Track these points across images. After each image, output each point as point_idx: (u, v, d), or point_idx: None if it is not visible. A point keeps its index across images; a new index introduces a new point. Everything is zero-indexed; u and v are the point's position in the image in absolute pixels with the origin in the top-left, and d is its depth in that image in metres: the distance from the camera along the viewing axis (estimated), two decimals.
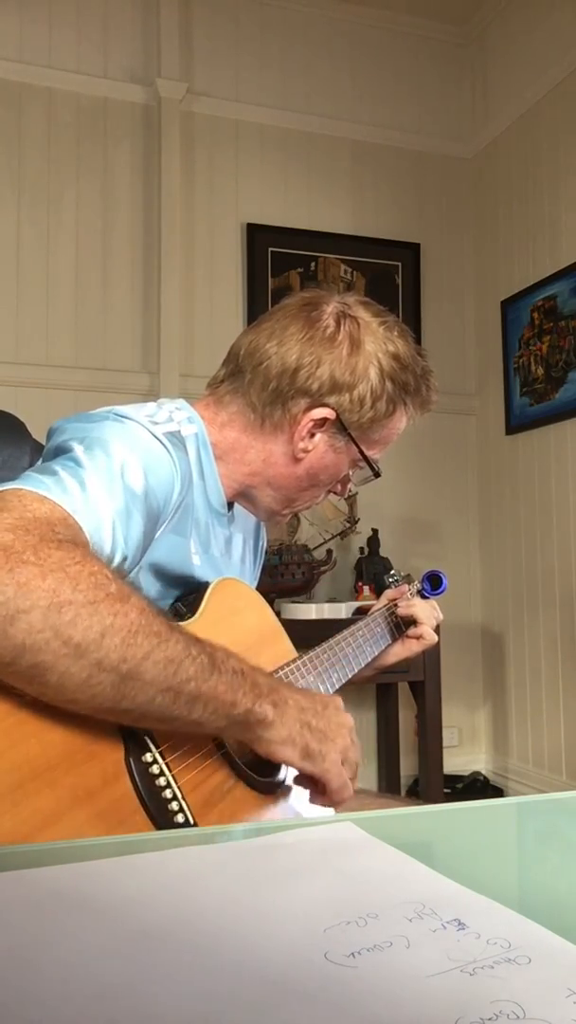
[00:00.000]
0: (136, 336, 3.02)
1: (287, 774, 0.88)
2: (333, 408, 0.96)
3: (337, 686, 1.04)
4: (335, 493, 1.08)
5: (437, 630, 1.25)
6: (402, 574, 1.34)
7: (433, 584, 1.31)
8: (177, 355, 3.00)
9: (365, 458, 1.01)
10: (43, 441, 1.00)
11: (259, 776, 0.82)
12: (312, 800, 0.82)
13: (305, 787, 0.81)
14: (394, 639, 1.22)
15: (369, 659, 1.15)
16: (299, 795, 0.88)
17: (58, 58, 2.98)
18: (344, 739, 0.80)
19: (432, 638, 1.22)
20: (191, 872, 0.46)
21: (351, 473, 1.05)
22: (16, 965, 0.35)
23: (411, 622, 1.23)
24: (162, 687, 0.66)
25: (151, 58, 3.09)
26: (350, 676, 1.08)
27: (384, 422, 1.00)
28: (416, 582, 1.33)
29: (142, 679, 0.65)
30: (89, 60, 3.02)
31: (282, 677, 0.94)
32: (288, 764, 0.78)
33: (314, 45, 3.32)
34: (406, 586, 1.30)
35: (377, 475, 1.05)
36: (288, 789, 0.86)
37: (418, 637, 1.22)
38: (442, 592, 1.31)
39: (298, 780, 0.82)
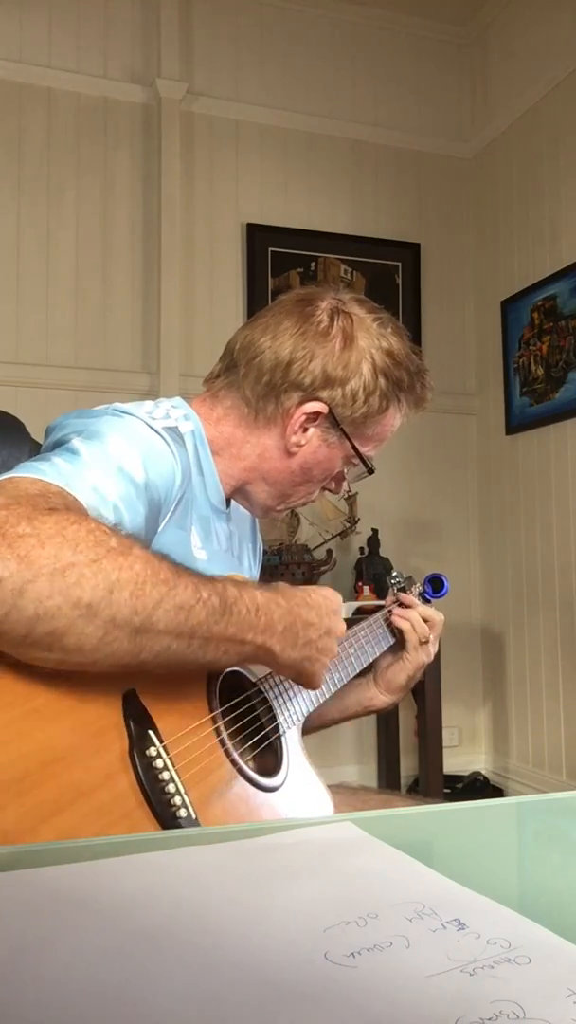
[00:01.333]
0: (136, 336, 3.02)
1: (288, 771, 0.88)
2: (326, 402, 0.97)
3: (339, 685, 1.04)
4: (330, 491, 1.08)
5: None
6: (405, 575, 1.33)
7: (435, 587, 1.30)
8: (177, 355, 3.00)
9: (358, 453, 1.01)
10: (42, 441, 1.00)
11: (260, 774, 0.83)
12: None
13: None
14: (395, 641, 1.21)
15: (371, 659, 1.15)
16: (300, 794, 0.89)
17: (58, 58, 2.98)
18: (336, 627, 0.87)
19: (420, 658, 1.16)
20: (191, 872, 0.46)
21: (346, 470, 1.05)
22: (16, 965, 0.35)
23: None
24: (175, 633, 0.67)
25: (151, 58, 3.09)
26: (352, 676, 1.08)
27: (377, 418, 1.00)
28: (418, 584, 1.32)
29: (155, 628, 0.65)
30: (89, 60, 3.02)
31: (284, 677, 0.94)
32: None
33: (314, 45, 3.32)
34: (412, 589, 1.27)
35: (370, 471, 1.05)
36: (289, 787, 0.87)
37: (422, 643, 1.17)
38: (443, 595, 1.30)
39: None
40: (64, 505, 0.69)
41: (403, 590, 1.26)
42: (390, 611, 1.22)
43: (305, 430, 0.98)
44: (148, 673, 0.70)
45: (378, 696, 1.18)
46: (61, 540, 0.62)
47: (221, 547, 1.00)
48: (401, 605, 1.20)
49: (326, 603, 0.86)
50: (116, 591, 0.63)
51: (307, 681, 0.86)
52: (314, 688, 0.89)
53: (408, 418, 1.05)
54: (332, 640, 0.86)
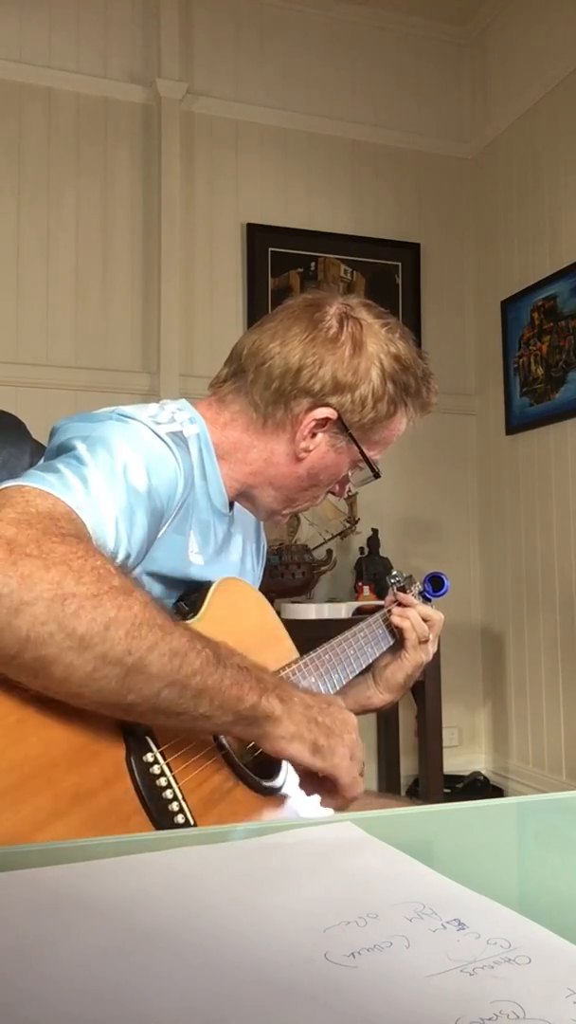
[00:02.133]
0: (136, 336, 3.02)
1: (287, 775, 0.88)
2: (335, 408, 0.97)
3: (339, 686, 1.04)
4: (334, 494, 1.08)
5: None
6: (405, 575, 1.33)
7: (435, 586, 1.30)
8: (177, 355, 3.00)
9: (366, 459, 1.01)
10: (43, 441, 1.00)
11: (259, 777, 0.82)
12: (323, 803, 0.81)
13: (311, 789, 0.80)
14: (395, 641, 1.21)
15: (371, 659, 1.15)
16: (299, 796, 0.88)
17: (58, 58, 2.98)
18: (350, 735, 0.80)
19: (420, 657, 1.16)
20: (191, 872, 0.46)
21: (350, 474, 1.05)
22: (16, 965, 0.35)
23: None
24: (168, 680, 0.66)
25: (151, 58, 3.09)
26: (351, 677, 1.08)
27: (385, 423, 1.00)
28: (418, 583, 1.32)
29: (148, 672, 0.65)
30: (89, 60, 3.02)
31: (284, 677, 0.94)
32: (297, 760, 0.77)
33: (314, 45, 3.32)
34: (412, 588, 1.27)
35: (377, 476, 1.05)
36: (288, 790, 0.86)
37: (421, 642, 1.17)
38: (444, 594, 1.30)
39: (304, 783, 0.81)
40: (74, 533, 0.68)
41: (403, 589, 1.26)
42: (389, 611, 1.22)
43: (314, 436, 0.98)
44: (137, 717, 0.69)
45: (376, 695, 1.18)
46: (66, 569, 0.62)
47: (218, 551, 1.00)
48: (400, 605, 1.19)
49: (342, 717, 0.81)
50: (112, 628, 0.63)
51: (332, 771, 0.78)
52: (351, 796, 0.81)
53: (414, 423, 1.05)
54: (343, 745, 0.79)
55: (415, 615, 1.17)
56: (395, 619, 1.18)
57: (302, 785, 0.81)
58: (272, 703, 0.74)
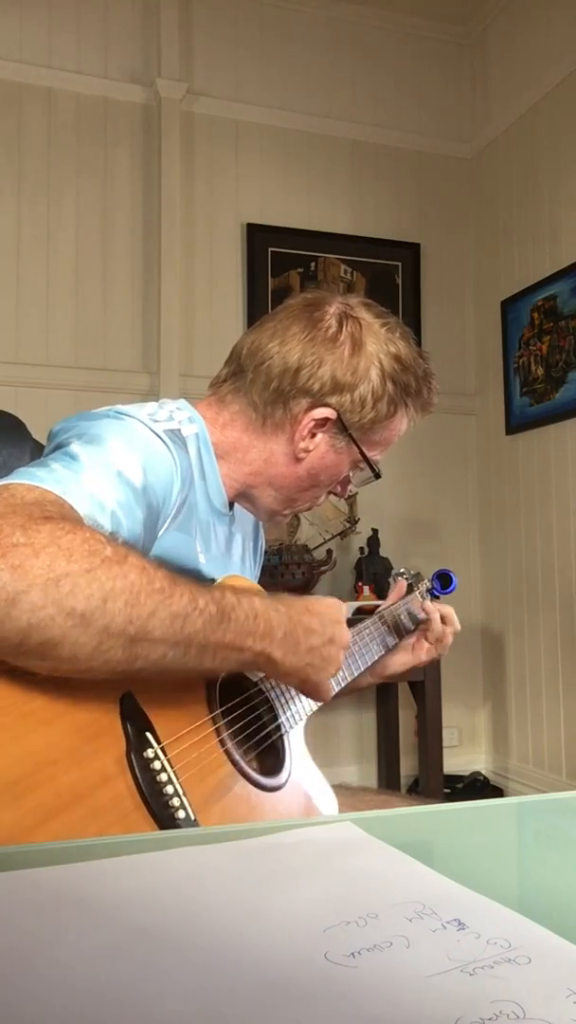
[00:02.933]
0: (136, 336, 3.02)
1: (289, 773, 0.88)
2: (334, 408, 0.96)
3: (342, 684, 1.04)
4: (335, 494, 1.08)
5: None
6: (412, 572, 1.33)
7: (443, 583, 1.31)
8: (177, 355, 3.00)
9: (366, 459, 1.01)
10: (43, 441, 1.00)
11: (261, 775, 0.83)
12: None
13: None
14: (400, 639, 1.22)
15: (373, 659, 1.15)
16: (300, 794, 0.88)
17: (58, 58, 2.98)
18: (342, 636, 0.86)
19: (447, 641, 1.22)
20: (191, 872, 0.46)
21: (351, 474, 1.05)
22: (16, 965, 0.35)
23: (419, 623, 1.23)
24: (172, 642, 0.67)
25: (151, 58, 3.09)
26: (356, 675, 1.08)
27: (385, 423, 1.00)
28: (426, 580, 1.32)
29: (151, 637, 0.65)
30: (89, 60, 3.02)
31: None
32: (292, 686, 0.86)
33: (314, 45, 3.32)
34: (403, 583, 1.29)
35: (377, 476, 1.05)
36: (289, 787, 0.86)
37: (437, 640, 1.21)
38: (452, 591, 1.31)
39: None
40: (60, 514, 0.68)
41: (411, 586, 1.27)
42: (398, 610, 1.23)
43: (313, 436, 0.98)
44: (146, 679, 0.70)
45: (364, 678, 1.19)
46: (55, 550, 0.62)
47: (220, 551, 1.00)
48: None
49: (329, 611, 0.85)
50: (110, 600, 0.63)
51: (312, 691, 0.86)
52: (322, 700, 0.88)
53: (415, 423, 1.05)
54: (336, 649, 0.85)
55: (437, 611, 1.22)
56: (427, 605, 1.22)
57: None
58: (272, 648, 0.76)
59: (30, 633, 0.60)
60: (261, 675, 0.90)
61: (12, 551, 0.61)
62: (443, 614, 1.21)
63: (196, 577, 0.92)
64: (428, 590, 1.30)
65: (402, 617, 1.23)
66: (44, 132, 2.96)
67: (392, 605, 1.23)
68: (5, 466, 1.10)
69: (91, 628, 0.62)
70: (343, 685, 1.05)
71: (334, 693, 1.03)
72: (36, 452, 1.14)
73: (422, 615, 1.23)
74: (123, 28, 3.08)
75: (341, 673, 1.05)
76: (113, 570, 0.64)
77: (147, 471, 0.82)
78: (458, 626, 1.22)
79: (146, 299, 3.04)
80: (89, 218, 3.00)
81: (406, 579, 1.30)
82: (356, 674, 1.08)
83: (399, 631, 1.21)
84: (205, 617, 0.69)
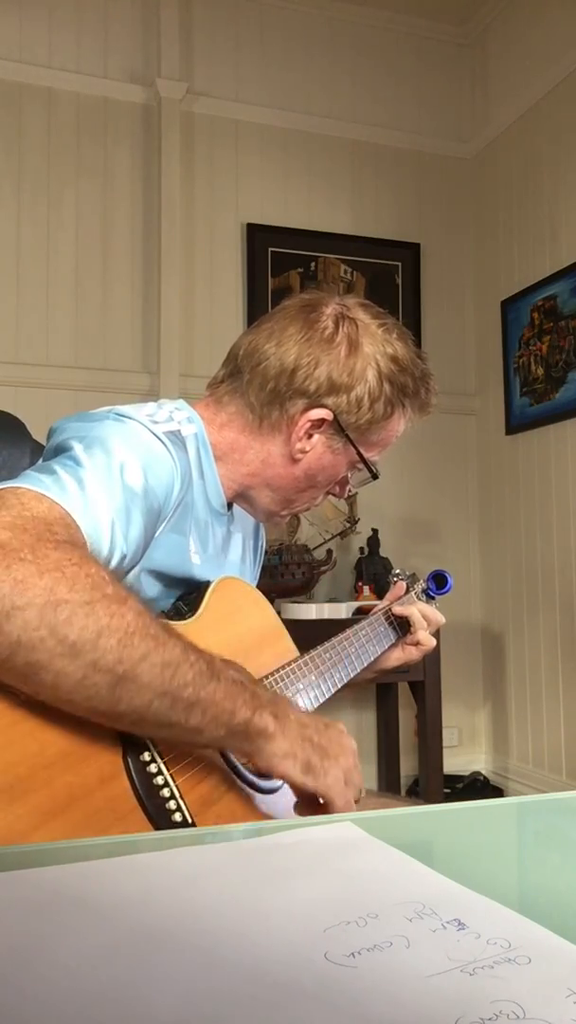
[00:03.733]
0: (136, 336, 3.02)
1: None
2: (331, 409, 0.96)
3: (339, 685, 1.04)
4: (333, 495, 1.08)
5: (437, 633, 1.24)
6: (408, 573, 1.34)
7: (438, 583, 1.31)
8: (177, 355, 3.00)
9: (363, 460, 1.01)
10: (43, 441, 1.00)
11: (257, 777, 0.82)
12: None
13: (306, 810, 0.78)
14: (397, 639, 1.22)
15: (371, 659, 1.15)
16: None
17: (58, 58, 2.98)
18: (347, 759, 0.79)
19: (428, 643, 1.20)
20: (191, 872, 0.46)
21: (349, 475, 1.05)
22: (16, 965, 0.35)
23: (407, 624, 1.23)
24: (159, 691, 0.65)
25: (151, 58, 3.09)
26: (352, 676, 1.08)
27: (382, 424, 1.00)
28: (421, 581, 1.32)
29: (138, 681, 0.64)
30: (89, 60, 3.02)
31: (284, 675, 0.94)
32: (288, 779, 0.75)
33: (314, 45, 3.32)
34: (403, 583, 1.29)
35: (375, 477, 1.05)
36: (285, 789, 0.86)
37: (415, 643, 1.21)
38: (447, 591, 1.31)
39: (298, 804, 0.79)
40: (68, 540, 0.68)
41: (408, 587, 1.27)
42: (389, 609, 1.23)
43: (310, 437, 0.98)
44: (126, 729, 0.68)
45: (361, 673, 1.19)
46: (59, 576, 0.62)
47: (218, 552, 1.00)
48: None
49: (340, 739, 0.79)
50: (104, 636, 0.62)
51: (326, 792, 0.76)
52: (340, 811, 0.78)
53: (413, 423, 1.04)
54: (337, 768, 0.77)
55: (419, 604, 1.21)
56: (396, 610, 1.20)
57: (296, 807, 0.79)
58: (265, 719, 0.72)
59: (18, 651, 0.60)
60: (257, 677, 0.90)
61: (18, 565, 0.61)
62: (424, 615, 1.20)
63: (189, 579, 0.92)
64: (424, 590, 1.30)
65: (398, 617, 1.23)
66: (44, 132, 2.96)
67: (388, 605, 1.24)
68: (5, 466, 1.10)
69: (79, 659, 0.61)
70: (340, 686, 1.05)
71: (331, 694, 1.03)
72: (36, 452, 1.14)
73: (395, 611, 1.22)
74: (123, 28, 3.08)
75: (341, 674, 1.05)
76: (112, 608, 0.64)
77: (148, 474, 0.82)
78: (438, 620, 1.21)
79: (146, 299, 3.04)
80: (89, 218, 3.00)
81: (402, 580, 1.30)
82: (352, 676, 1.08)
83: (396, 630, 1.22)
84: (195, 671, 0.68)
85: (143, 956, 0.35)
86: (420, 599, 1.29)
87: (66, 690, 0.62)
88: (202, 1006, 0.32)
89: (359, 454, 1.00)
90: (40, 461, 0.88)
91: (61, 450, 0.82)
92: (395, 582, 1.31)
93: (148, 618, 0.67)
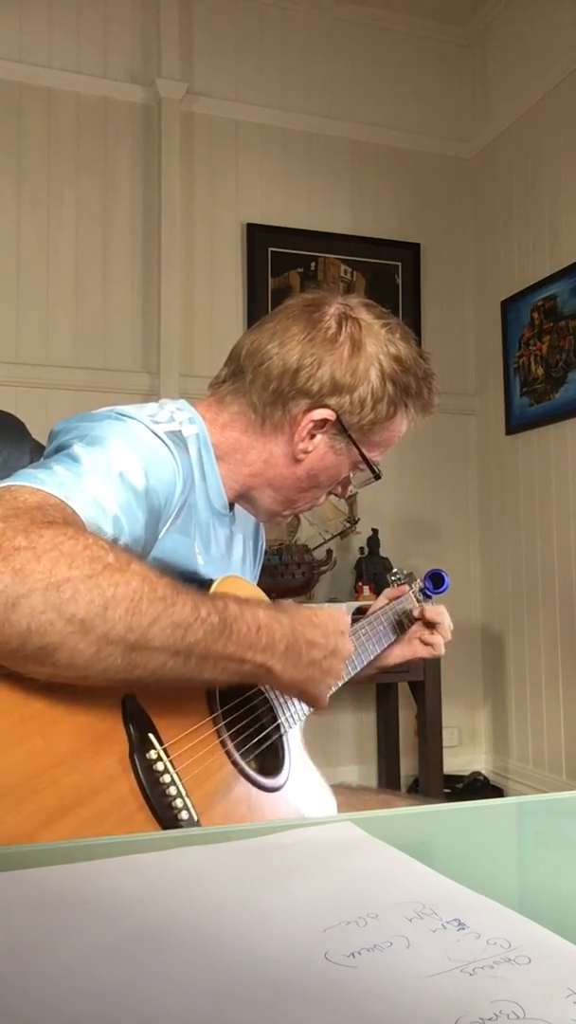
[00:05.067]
0: (136, 336, 3.02)
1: (289, 773, 0.88)
2: (334, 409, 0.96)
3: (338, 685, 1.04)
4: (335, 495, 1.08)
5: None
6: (405, 572, 1.34)
7: (435, 583, 1.31)
8: (177, 355, 3.00)
9: (365, 460, 1.01)
10: (43, 441, 1.00)
11: (261, 775, 0.83)
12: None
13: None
14: (396, 638, 1.22)
15: (371, 657, 1.15)
16: (299, 794, 0.89)
17: (58, 58, 2.98)
18: (343, 643, 0.86)
19: (441, 650, 1.21)
20: (191, 872, 0.46)
21: (351, 475, 1.05)
22: (16, 965, 0.35)
23: (414, 621, 1.23)
24: (171, 651, 0.66)
25: (151, 58, 3.09)
26: (352, 674, 1.08)
27: (385, 424, 1.00)
28: (418, 580, 1.32)
29: (151, 646, 0.65)
30: (89, 60, 3.02)
31: None
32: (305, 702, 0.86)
33: (314, 45, 3.32)
34: (406, 587, 1.30)
35: (377, 477, 1.05)
36: (291, 787, 0.87)
37: (430, 643, 1.20)
38: (444, 591, 1.31)
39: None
40: (62, 518, 0.68)
41: (404, 586, 1.28)
42: (395, 608, 1.23)
43: (312, 437, 0.98)
44: (144, 686, 0.70)
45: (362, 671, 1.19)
46: (57, 555, 0.62)
47: (220, 552, 1.00)
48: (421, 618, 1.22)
49: (332, 623, 0.85)
50: (111, 608, 0.62)
51: (311, 701, 0.86)
52: (319, 708, 0.88)
53: (415, 424, 1.04)
54: (337, 661, 0.85)
55: (442, 608, 1.23)
56: (430, 614, 1.21)
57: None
58: (272, 662, 0.76)
59: (29, 637, 0.60)
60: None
61: (14, 554, 0.60)
62: (431, 619, 1.21)
63: (194, 578, 0.92)
64: (421, 590, 1.30)
65: (398, 615, 1.24)
66: (44, 132, 2.96)
67: (387, 604, 1.24)
68: (5, 466, 1.10)
69: (91, 635, 0.61)
70: (339, 686, 1.05)
71: (330, 693, 1.03)
72: (36, 452, 1.14)
73: (416, 614, 1.23)
74: (123, 28, 3.08)
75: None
76: (115, 577, 0.63)
77: (149, 473, 0.82)
78: (448, 628, 1.21)
79: (146, 299, 3.04)
80: (89, 218, 3.00)
81: (400, 581, 1.30)
82: (352, 674, 1.08)
83: (395, 629, 1.22)
84: (207, 627, 0.69)
85: (143, 956, 0.35)
86: (417, 598, 1.29)
87: (82, 666, 0.62)
88: (202, 1006, 0.32)
89: (361, 454, 1.00)
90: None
91: (61, 450, 0.82)
92: (394, 583, 1.31)
93: (154, 580, 0.67)
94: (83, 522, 0.72)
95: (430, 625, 1.21)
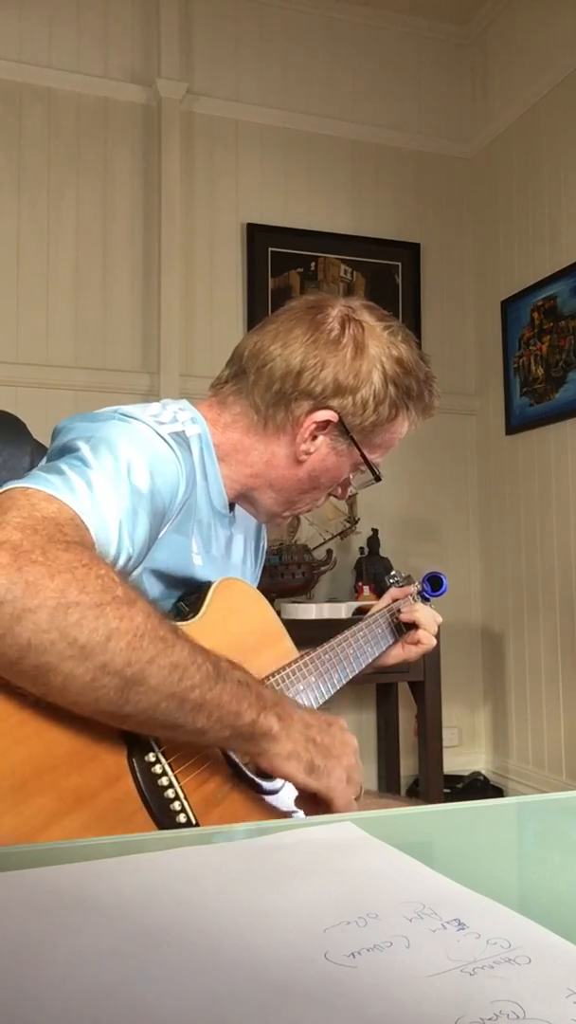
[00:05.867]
0: (136, 336, 3.02)
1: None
2: (336, 411, 0.96)
3: (338, 686, 1.04)
4: (336, 496, 1.08)
5: (436, 633, 1.25)
6: (403, 575, 1.34)
7: (433, 585, 1.31)
8: (177, 355, 3.00)
9: (367, 461, 1.01)
10: (43, 441, 1.00)
11: (259, 778, 0.83)
12: None
13: (308, 809, 0.79)
14: (395, 640, 1.22)
15: (370, 659, 1.15)
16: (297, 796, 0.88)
17: (58, 58, 2.98)
18: (349, 758, 0.79)
19: (431, 643, 1.22)
20: (191, 872, 0.46)
21: (352, 476, 1.05)
22: (16, 965, 0.35)
23: (412, 625, 1.23)
24: (167, 693, 0.66)
25: (151, 58, 3.09)
26: (351, 676, 1.08)
27: (386, 426, 1.00)
28: (417, 583, 1.33)
29: (147, 684, 0.64)
30: (89, 60, 3.02)
31: (284, 676, 0.94)
32: (292, 780, 0.76)
33: (314, 45, 3.32)
34: (410, 588, 1.30)
35: (378, 479, 1.05)
36: (287, 790, 0.86)
37: (416, 642, 1.22)
38: (442, 593, 1.31)
39: (300, 801, 0.80)
40: (79, 540, 0.68)
41: (401, 589, 1.28)
42: (393, 611, 1.23)
43: (314, 438, 0.98)
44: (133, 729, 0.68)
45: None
46: (71, 578, 0.62)
47: (220, 553, 1.00)
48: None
49: (342, 737, 0.80)
50: (113, 639, 0.63)
51: (325, 792, 0.76)
52: (339, 811, 0.78)
53: (416, 426, 1.05)
54: (340, 767, 0.77)
55: (420, 606, 1.24)
56: (405, 616, 1.22)
57: (298, 803, 0.80)
58: (270, 720, 0.73)
59: (28, 653, 0.60)
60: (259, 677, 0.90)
61: (29, 567, 0.61)
62: (417, 620, 1.22)
63: (190, 579, 0.93)
64: (419, 592, 1.31)
65: (395, 618, 1.24)
66: (44, 132, 2.96)
67: (387, 607, 1.24)
68: (5, 466, 1.10)
69: (89, 662, 0.62)
70: (339, 688, 1.05)
71: (330, 695, 1.03)
72: (36, 452, 1.14)
73: (402, 617, 1.24)
74: (123, 28, 3.08)
75: (340, 675, 1.05)
76: (121, 610, 0.64)
77: (154, 475, 0.83)
78: (437, 620, 1.23)
79: (146, 299, 3.04)
80: (89, 218, 3.00)
81: (398, 584, 1.31)
82: (351, 676, 1.08)
83: (393, 632, 1.22)
84: (203, 673, 0.68)
85: (144, 956, 0.35)
86: (416, 600, 1.29)
87: (75, 692, 0.62)
88: (202, 1006, 0.32)
89: (363, 456, 1.00)
90: (44, 461, 0.88)
91: (67, 450, 0.82)
92: (392, 583, 1.31)
93: (157, 620, 0.67)
94: (95, 541, 0.72)
95: (411, 626, 1.23)
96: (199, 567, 0.94)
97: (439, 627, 1.25)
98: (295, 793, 0.87)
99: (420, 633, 1.21)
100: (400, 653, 1.23)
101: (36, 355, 2.89)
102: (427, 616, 1.22)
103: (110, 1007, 0.32)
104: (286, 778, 0.76)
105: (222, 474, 0.98)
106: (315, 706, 0.99)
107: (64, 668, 0.61)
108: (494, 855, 0.53)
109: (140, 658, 0.64)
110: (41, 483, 0.72)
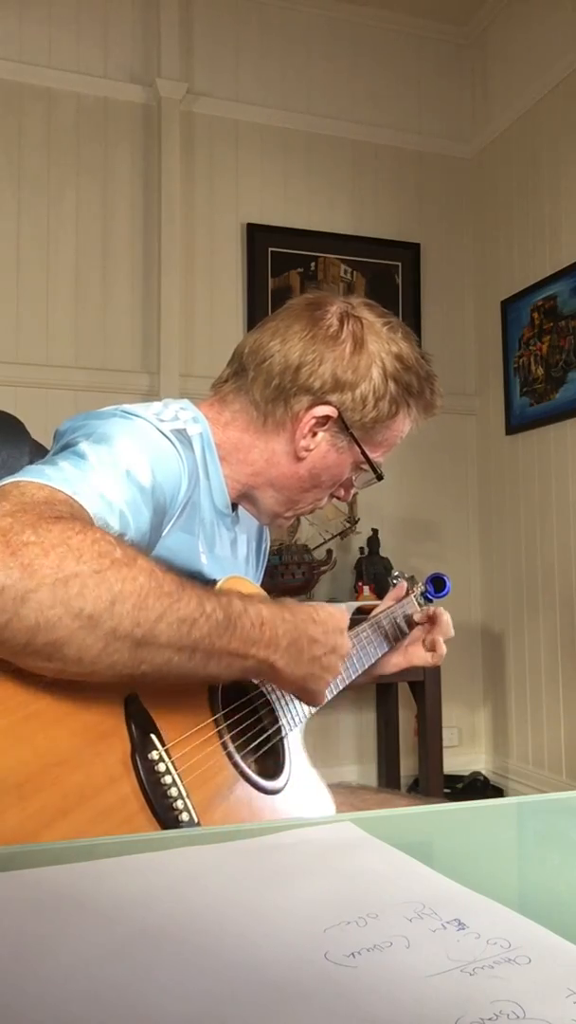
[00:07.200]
0: (136, 336, 3.02)
1: (289, 776, 0.88)
2: (335, 406, 0.96)
3: (340, 687, 1.04)
4: (338, 498, 1.07)
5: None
6: (407, 575, 1.33)
7: (436, 587, 1.30)
8: (177, 355, 3.00)
9: (367, 459, 1.01)
10: (43, 441, 1.00)
11: (262, 778, 0.83)
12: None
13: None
14: (398, 642, 1.21)
15: (372, 660, 1.15)
16: (302, 795, 0.89)
17: (58, 58, 2.98)
18: (341, 641, 0.86)
19: (443, 650, 1.19)
20: (191, 872, 0.46)
21: (353, 477, 1.05)
22: (16, 965, 0.35)
23: (414, 625, 1.22)
24: (177, 647, 0.67)
25: (151, 58, 3.09)
26: (353, 677, 1.08)
27: (387, 423, 1.00)
28: (420, 584, 1.32)
29: (157, 642, 0.65)
30: (89, 60, 3.02)
31: None
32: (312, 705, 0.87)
33: (314, 45, 3.32)
34: (403, 584, 1.29)
35: (380, 478, 1.05)
36: (291, 789, 0.87)
37: (431, 647, 1.19)
38: (445, 595, 1.30)
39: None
40: (70, 514, 0.68)
41: (407, 590, 1.27)
42: (396, 613, 1.22)
43: (314, 434, 0.98)
44: (149, 683, 0.70)
45: (359, 677, 1.18)
46: (65, 550, 0.62)
47: (224, 552, 1.00)
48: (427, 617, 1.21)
49: (332, 621, 0.85)
50: (118, 603, 0.63)
51: (309, 698, 0.86)
52: (316, 705, 0.89)
53: (418, 424, 1.04)
54: (336, 659, 0.85)
55: (445, 613, 1.22)
56: (430, 610, 1.21)
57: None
58: (275, 658, 0.76)
59: (37, 633, 0.60)
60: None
61: (23, 549, 0.60)
62: (431, 615, 1.20)
63: (197, 578, 0.92)
64: (422, 593, 1.30)
65: (398, 620, 1.23)
66: (44, 132, 2.96)
67: (389, 608, 1.23)
68: (5, 466, 1.10)
69: (98, 630, 0.62)
70: (339, 690, 1.05)
71: (329, 699, 1.03)
72: (36, 452, 1.14)
73: (417, 618, 1.22)
74: (123, 28, 3.08)
75: (344, 672, 1.05)
76: (122, 572, 0.64)
77: (155, 471, 0.82)
78: (450, 633, 1.20)
79: (146, 299, 3.04)
80: (89, 218, 3.00)
81: (405, 581, 1.30)
82: (353, 677, 1.08)
83: (395, 634, 1.21)
84: (212, 623, 0.69)
85: (144, 956, 0.35)
86: (418, 602, 1.28)
87: (89, 661, 0.63)
88: (202, 1006, 0.32)
89: (363, 453, 1.00)
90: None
91: (67, 448, 0.82)
92: (395, 583, 1.30)
93: (160, 575, 0.67)
94: (91, 517, 0.72)
95: (431, 621, 1.20)
96: (205, 566, 0.94)
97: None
98: (296, 793, 0.87)
99: (437, 635, 1.18)
100: (400, 661, 1.20)
101: (36, 355, 2.90)
102: (446, 624, 1.19)
103: (110, 1007, 0.32)
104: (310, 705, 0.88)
105: (224, 474, 0.98)
106: (314, 708, 0.99)
107: (75, 640, 0.61)
108: (494, 855, 0.53)
109: (148, 617, 0.64)
110: (34, 475, 0.72)
